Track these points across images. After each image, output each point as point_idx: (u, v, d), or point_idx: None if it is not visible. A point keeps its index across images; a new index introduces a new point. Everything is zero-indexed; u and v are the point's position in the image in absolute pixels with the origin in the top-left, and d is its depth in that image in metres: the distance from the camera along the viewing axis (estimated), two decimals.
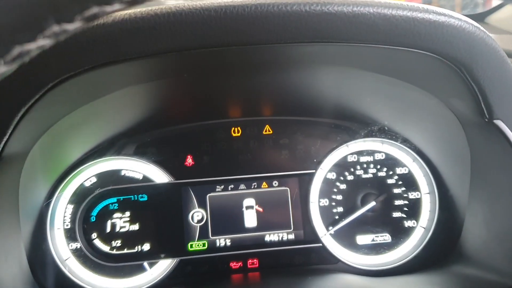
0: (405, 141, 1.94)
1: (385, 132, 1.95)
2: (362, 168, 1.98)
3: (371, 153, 1.99)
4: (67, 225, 1.85)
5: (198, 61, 1.29)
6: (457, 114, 1.52)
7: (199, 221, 1.91)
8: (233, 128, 1.98)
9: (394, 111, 1.82)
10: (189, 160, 1.94)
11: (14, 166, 1.45)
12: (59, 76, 1.13)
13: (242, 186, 1.94)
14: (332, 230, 1.93)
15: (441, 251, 1.86)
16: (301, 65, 1.43)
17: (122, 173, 1.91)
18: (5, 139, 1.21)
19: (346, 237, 1.94)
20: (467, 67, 1.23)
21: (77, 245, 1.84)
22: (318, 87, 1.68)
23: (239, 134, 1.98)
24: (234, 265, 1.90)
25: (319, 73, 1.54)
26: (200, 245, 1.89)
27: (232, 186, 1.94)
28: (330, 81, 1.62)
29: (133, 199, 1.90)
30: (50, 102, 1.22)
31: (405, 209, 1.96)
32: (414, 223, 1.95)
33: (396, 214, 1.96)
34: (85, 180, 1.89)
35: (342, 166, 1.98)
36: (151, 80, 1.36)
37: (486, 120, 1.38)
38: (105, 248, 1.86)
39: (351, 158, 1.98)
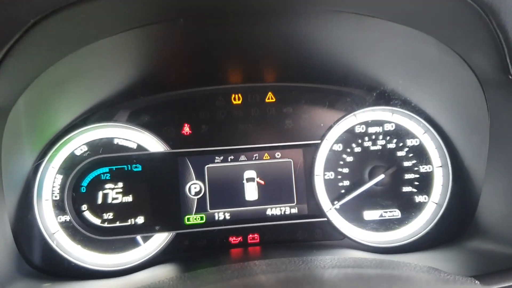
0: (417, 109, 1.82)
1: (396, 97, 1.82)
2: (370, 139, 1.87)
3: (380, 123, 1.88)
4: (55, 196, 1.75)
5: (195, 3, 1.17)
6: (477, 72, 1.39)
7: (196, 194, 1.81)
8: (233, 95, 1.87)
9: (407, 72, 1.69)
10: (186, 129, 1.84)
11: None
12: (42, 11, 1.01)
13: (242, 157, 1.84)
14: (338, 204, 1.83)
15: (455, 226, 1.76)
16: (310, 10, 1.30)
17: (115, 141, 1.81)
18: None
19: (352, 212, 1.84)
20: (494, 11, 1.10)
21: (66, 217, 1.74)
22: (326, 43, 1.55)
23: (239, 102, 1.88)
24: (233, 240, 1.81)
25: (327, 24, 1.41)
26: (198, 218, 1.80)
27: (232, 157, 1.84)
28: (339, 35, 1.49)
29: (126, 169, 1.79)
30: (31, 45, 1.10)
31: (416, 183, 1.85)
32: (425, 198, 1.84)
33: (406, 189, 1.85)
34: (76, 149, 1.78)
35: (349, 137, 1.87)
36: (143, 23, 1.23)
37: (510, 77, 1.25)
38: (95, 220, 1.76)
39: (359, 129, 1.87)
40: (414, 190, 1.85)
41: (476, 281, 1.06)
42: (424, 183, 1.85)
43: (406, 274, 0.87)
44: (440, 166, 1.85)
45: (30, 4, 0.96)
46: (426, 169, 1.86)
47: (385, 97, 1.83)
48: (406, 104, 1.83)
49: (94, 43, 1.27)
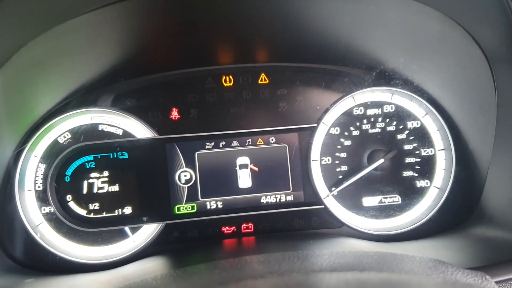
0: (419, 89, 1.73)
1: (396, 76, 1.73)
2: (369, 122, 1.78)
3: (379, 105, 1.79)
4: (38, 186, 1.67)
5: None
6: (484, 47, 1.30)
7: (187, 182, 1.73)
8: (224, 77, 1.78)
9: (409, 48, 1.59)
10: (175, 113, 1.75)
11: None
12: None
13: (235, 143, 1.76)
14: (336, 190, 1.75)
15: (459, 212, 1.69)
16: None
17: (100, 127, 1.72)
18: None
19: (351, 199, 1.77)
20: None
21: (50, 208, 1.67)
22: (321, 19, 1.45)
23: (231, 84, 1.78)
24: (226, 229, 1.74)
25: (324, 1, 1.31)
26: (189, 208, 1.72)
27: (223, 142, 1.76)
28: (335, 9, 1.39)
29: (112, 156, 1.71)
30: (15, 9, 1.00)
31: (417, 167, 1.78)
32: (427, 183, 1.77)
33: (407, 173, 1.78)
34: (59, 136, 1.69)
35: (347, 120, 1.79)
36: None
37: None
38: (81, 211, 1.69)
39: (357, 111, 1.79)
40: (415, 174, 1.77)
41: (487, 276, 0.97)
42: (426, 167, 1.78)
43: (415, 280, 0.78)
44: (443, 149, 1.77)
45: None
46: (427, 153, 1.78)
47: (385, 77, 1.74)
48: (407, 84, 1.74)
49: (69, 21, 1.16)
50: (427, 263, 0.99)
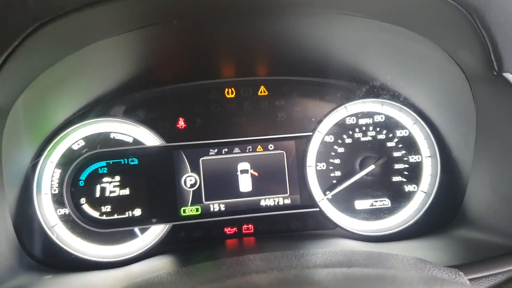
0: (407, 101, 1.86)
1: (385, 91, 1.86)
2: (361, 130, 1.90)
3: (370, 115, 1.91)
4: (54, 190, 1.78)
5: (190, 3, 1.20)
6: (463, 67, 1.43)
7: (192, 186, 1.84)
8: (226, 89, 1.90)
9: (396, 67, 1.73)
10: (181, 123, 1.87)
11: None
12: (39, 19, 1.03)
13: (236, 150, 1.87)
14: (330, 194, 1.87)
15: (443, 215, 1.81)
16: (299, 11, 1.33)
17: (112, 135, 1.83)
18: None
19: (344, 202, 1.88)
20: (478, 12, 1.14)
21: (65, 210, 1.78)
22: (317, 40, 1.58)
23: (233, 96, 1.90)
24: (228, 230, 1.85)
25: (318, 22, 1.44)
26: (193, 210, 1.83)
27: (226, 149, 1.87)
28: (330, 32, 1.52)
29: (123, 162, 1.82)
30: (30, 50, 1.13)
31: (405, 173, 1.90)
32: (414, 188, 1.89)
33: (396, 178, 1.90)
34: (73, 143, 1.81)
35: (340, 129, 1.91)
36: (139, 26, 1.26)
37: (495, 73, 1.30)
38: (94, 213, 1.80)
39: (349, 120, 1.91)
40: (404, 179, 1.89)
41: (460, 273, 1.10)
42: (413, 173, 1.89)
43: (391, 274, 0.91)
44: (429, 156, 1.89)
45: (28, 12, 0.98)
46: (415, 159, 1.90)
47: (375, 92, 1.87)
48: (395, 97, 1.86)
49: (91, 45, 1.29)
50: (408, 261, 1.12)
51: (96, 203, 1.80)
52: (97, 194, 1.80)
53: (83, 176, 1.80)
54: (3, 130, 1.40)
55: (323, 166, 1.89)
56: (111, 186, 1.81)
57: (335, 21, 1.40)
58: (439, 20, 1.27)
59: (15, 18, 1.01)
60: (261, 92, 1.90)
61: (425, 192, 1.88)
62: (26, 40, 1.05)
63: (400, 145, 1.90)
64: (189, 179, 1.84)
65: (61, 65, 1.35)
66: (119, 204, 1.81)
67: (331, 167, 1.89)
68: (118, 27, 1.25)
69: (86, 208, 1.80)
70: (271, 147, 1.88)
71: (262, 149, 1.87)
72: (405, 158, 1.90)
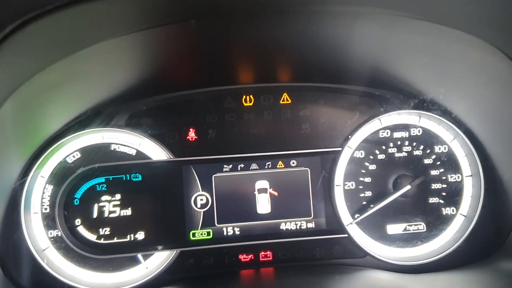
0: (449, 114, 1.65)
1: (432, 105, 1.67)
2: (395, 145, 1.71)
3: (406, 128, 1.72)
4: (45, 209, 1.60)
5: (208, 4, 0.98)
6: None
7: (203, 206, 1.66)
8: (244, 96, 1.72)
9: (444, 76, 1.51)
10: (192, 134, 1.68)
11: None
12: (21, 15, 0.81)
13: (254, 166, 1.69)
14: (359, 218, 1.68)
15: (487, 244, 1.63)
16: (334, 10, 1.11)
17: (112, 147, 1.65)
18: None
19: (374, 226, 1.70)
20: None
21: (57, 232, 1.60)
22: (350, 42, 1.36)
23: (251, 104, 1.72)
24: (243, 258, 1.67)
25: (353, 22, 1.21)
26: (204, 234, 1.66)
27: (242, 165, 1.69)
28: (367, 35, 1.29)
29: (124, 179, 1.64)
30: (12, 52, 0.91)
31: (444, 194, 1.71)
32: (453, 210, 1.70)
33: (433, 200, 1.71)
34: (67, 156, 1.62)
35: (372, 143, 1.72)
36: (146, 26, 1.03)
37: None
38: (91, 236, 1.62)
39: (383, 134, 1.72)
40: (441, 201, 1.71)
41: None
42: (453, 194, 1.71)
43: None
44: (470, 175, 1.70)
45: (7, 6, 0.76)
46: (455, 179, 1.71)
47: (413, 99, 1.68)
48: (436, 110, 1.66)
49: (89, 48, 1.07)
50: None
51: (93, 225, 1.62)
52: (95, 215, 1.63)
53: (78, 194, 1.63)
54: None
55: (352, 185, 1.71)
56: (111, 206, 1.64)
57: (374, 22, 1.18)
58: (508, 23, 1.05)
59: None
60: (283, 100, 1.72)
61: (465, 216, 1.70)
62: (5, 40, 0.83)
63: (439, 163, 1.72)
64: (200, 199, 1.67)
65: (54, 70, 1.13)
66: (120, 226, 1.63)
67: (361, 187, 1.71)
68: (120, 28, 1.04)
69: (82, 230, 1.62)
70: (293, 163, 1.70)
71: (283, 166, 1.70)
72: (444, 177, 1.72)
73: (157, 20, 1.03)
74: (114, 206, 1.63)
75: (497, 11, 1.05)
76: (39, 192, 1.59)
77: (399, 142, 1.71)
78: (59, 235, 1.59)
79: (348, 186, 1.70)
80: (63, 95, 1.41)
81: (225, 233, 1.66)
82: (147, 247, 1.62)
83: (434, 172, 1.71)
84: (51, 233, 1.59)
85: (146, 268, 1.61)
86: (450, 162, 1.71)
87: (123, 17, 0.99)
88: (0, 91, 1.13)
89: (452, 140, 1.71)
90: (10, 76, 1.08)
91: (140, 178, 1.64)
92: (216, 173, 1.67)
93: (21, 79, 1.10)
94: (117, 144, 1.64)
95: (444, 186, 1.71)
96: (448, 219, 1.70)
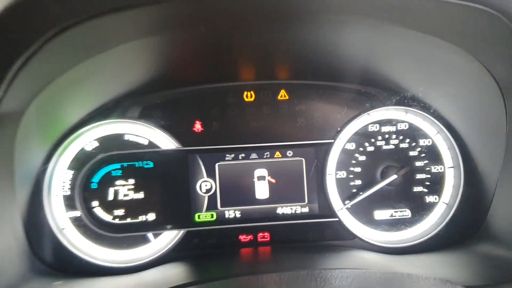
0: (433, 111, 1.80)
1: (413, 102, 1.81)
2: (383, 138, 1.85)
3: (393, 122, 1.86)
4: (66, 192, 1.74)
5: (215, 8, 1.14)
6: (499, 81, 1.37)
7: (207, 191, 1.80)
8: (245, 93, 1.85)
9: (427, 77, 1.66)
10: (198, 126, 1.82)
11: (10, 126, 1.32)
12: (61, 23, 0.98)
13: (253, 155, 1.82)
14: (349, 204, 1.82)
15: (466, 229, 1.76)
16: (328, 18, 1.27)
17: (126, 137, 1.79)
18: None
19: (363, 212, 1.84)
20: None
21: (77, 213, 1.74)
22: (343, 46, 1.52)
23: (252, 99, 1.85)
24: (243, 238, 1.81)
25: (346, 29, 1.37)
26: (208, 216, 1.79)
27: (243, 155, 1.82)
28: (358, 39, 1.45)
29: (137, 165, 1.78)
30: (50, 55, 1.08)
31: (427, 183, 1.85)
32: (436, 199, 1.84)
33: (417, 189, 1.85)
34: (86, 144, 1.76)
35: (362, 136, 1.85)
36: (161, 31, 1.20)
37: None
38: (106, 217, 1.76)
39: (372, 128, 1.86)
40: (425, 190, 1.84)
41: None
42: (435, 184, 1.85)
43: None
44: (452, 167, 1.84)
45: (49, 16, 0.92)
46: (437, 170, 1.85)
47: (401, 101, 1.82)
48: (425, 109, 1.81)
49: (110, 50, 1.24)
50: (433, 282, 1.08)
51: (108, 207, 1.76)
52: (110, 198, 1.76)
53: (95, 179, 1.76)
54: (16, 133, 1.35)
55: (343, 174, 1.84)
56: (125, 190, 1.77)
57: (363, 28, 1.34)
58: (481, 31, 1.20)
59: (36, 22, 0.95)
60: (281, 96, 1.85)
61: (446, 204, 1.83)
62: (45, 45, 1.00)
63: (423, 155, 1.85)
64: (205, 184, 1.80)
65: (78, 69, 1.30)
66: (133, 208, 1.77)
67: (351, 176, 1.84)
68: (139, 33, 1.20)
69: (98, 211, 1.76)
70: (289, 153, 1.83)
71: (280, 155, 1.83)
72: (427, 168, 1.85)
73: (170, 26, 1.19)
74: (128, 190, 1.76)
75: (468, 24, 1.21)
76: (60, 177, 1.73)
77: (387, 136, 1.84)
78: (78, 215, 1.73)
79: (339, 175, 1.83)
80: (84, 91, 1.56)
81: (227, 216, 1.79)
82: (156, 227, 1.76)
83: (418, 164, 1.84)
84: (70, 214, 1.73)
85: (155, 246, 1.76)
86: (433, 155, 1.85)
87: (141, 24, 1.14)
88: (33, 88, 1.29)
89: (436, 134, 1.84)
90: (42, 75, 1.24)
91: (151, 165, 1.77)
92: (219, 162, 1.80)
93: (50, 77, 1.26)
94: (130, 134, 1.78)
95: (428, 176, 1.84)
96: (430, 206, 1.83)
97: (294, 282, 1.06)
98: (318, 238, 1.82)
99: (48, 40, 0.99)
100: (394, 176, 1.80)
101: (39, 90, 1.29)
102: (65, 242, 1.70)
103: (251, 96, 1.84)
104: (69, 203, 1.73)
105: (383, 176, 1.82)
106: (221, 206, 1.80)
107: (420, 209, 1.84)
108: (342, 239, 1.82)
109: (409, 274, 1.13)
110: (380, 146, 1.85)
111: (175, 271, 1.57)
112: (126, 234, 1.75)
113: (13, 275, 1.45)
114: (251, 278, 1.15)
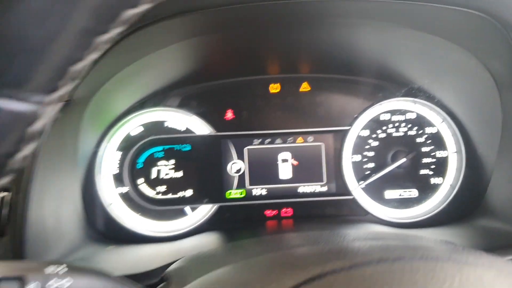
0: (438, 102, 2.00)
1: (421, 92, 2.01)
2: (394, 126, 2.04)
3: (403, 112, 2.05)
4: (115, 171, 1.96)
5: (250, 15, 1.37)
6: (494, 75, 1.58)
7: (237, 172, 2.00)
8: (271, 85, 2.04)
9: (431, 72, 1.87)
10: (229, 114, 2.01)
11: (78, 110, 1.56)
12: (143, 21, 1.21)
13: (278, 141, 2.02)
14: (363, 184, 2.01)
15: (467, 206, 1.94)
16: (344, 21, 1.49)
17: (166, 124, 2.00)
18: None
19: (375, 191, 2.03)
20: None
21: (125, 189, 1.96)
22: (358, 45, 1.73)
23: (277, 91, 2.05)
24: (269, 213, 2.01)
25: (360, 31, 1.60)
26: (238, 193, 2.00)
27: (269, 140, 2.02)
28: (370, 39, 1.67)
29: (176, 148, 1.99)
30: (122, 49, 1.30)
31: (433, 166, 2.03)
32: (441, 180, 2.03)
33: (424, 171, 2.03)
34: (132, 130, 1.98)
35: (375, 124, 2.05)
36: (201, 34, 1.44)
37: None
38: (150, 193, 1.98)
39: (384, 117, 2.05)
40: (431, 172, 2.02)
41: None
42: (440, 167, 2.02)
43: (425, 244, 1.03)
44: (455, 152, 2.01)
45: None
46: (442, 154, 2.03)
47: (410, 92, 2.01)
48: (429, 99, 2.00)
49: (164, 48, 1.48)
50: (438, 241, 1.27)
51: (152, 184, 1.96)
52: (154, 176, 1.97)
53: (141, 159, 1.97)
54: (83, 116, 1.59)
55: (358, 157, 2.03)
56: (166, 169, 1.97)
57: (378, 32, 1.56)
58: (476, 33, 1.42)
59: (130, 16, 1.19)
60: (303, 88, 2.04)
61: (450, 185, 2.01)
62: (123, 40, 1.23)
63: (429, 141, 2.03)
64: (235, 166, 2.00)
65: (135, 64, 1.53)
66: (173, 185, 1.97)
67: (365, 159, 2.03)
68: (181, 35, 1.43)
69: (143, 187, 1.97)
70: (310, 139, 2.01)
71: (302, 141, 2.01)
72: (433, 153, 2.03)
73: (207, 30, 1.42)
74: (169, 169, 1.96)
75: (465, 25, 1.43)
76: (110, 158, 1.94)
77: (397, 124, 2.03)
78: (126, 191, 1.95)
79: (355, 159, 2.02)
80: (135, 83, 1.78)
81: (254, 193, 1.99)
82: (193, 201, 1.97)
83: (425, 149, 2.02)
84: (119, 190, 1.94)
85: (192, 219, 1.97)
86: (438, 141, 2.02)
87: (184, 28, 1.38)
88: (103, 77, 1.52)
89: (441, 123, 2.02)
90: (113, 66, 1.47)
91: (189, 148, 1.98)
92: (248, 146, 2.00)
93: (117, 69, 1.51)
94: (171, 121, 1.99)
95: (434, 160, 2.02)
96: (435, 187, 2.01)
97: (317, 238, 1.26)
98: (335, 213, 2.01)
99: (125, 36, 1.22)
100: (403, 160, 1.98)
101: (105, 81, 1.53)
102: (113, 214, 1.92)
103: (276, 88, 2.04)
104: (118, 180, 1.95)
105: (393, 159, 2.00)
106: (250, 185, 1.99)
107: (426, 189, 2.01)
108: (356, 215, 2.00)
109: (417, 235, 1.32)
110: (391, 133, 2.03)
111: (210, 239, 1.77)
112: (167, 207, 1.96)
113: (73, 241, 1.67)
114: (277, 236, 1.34)
